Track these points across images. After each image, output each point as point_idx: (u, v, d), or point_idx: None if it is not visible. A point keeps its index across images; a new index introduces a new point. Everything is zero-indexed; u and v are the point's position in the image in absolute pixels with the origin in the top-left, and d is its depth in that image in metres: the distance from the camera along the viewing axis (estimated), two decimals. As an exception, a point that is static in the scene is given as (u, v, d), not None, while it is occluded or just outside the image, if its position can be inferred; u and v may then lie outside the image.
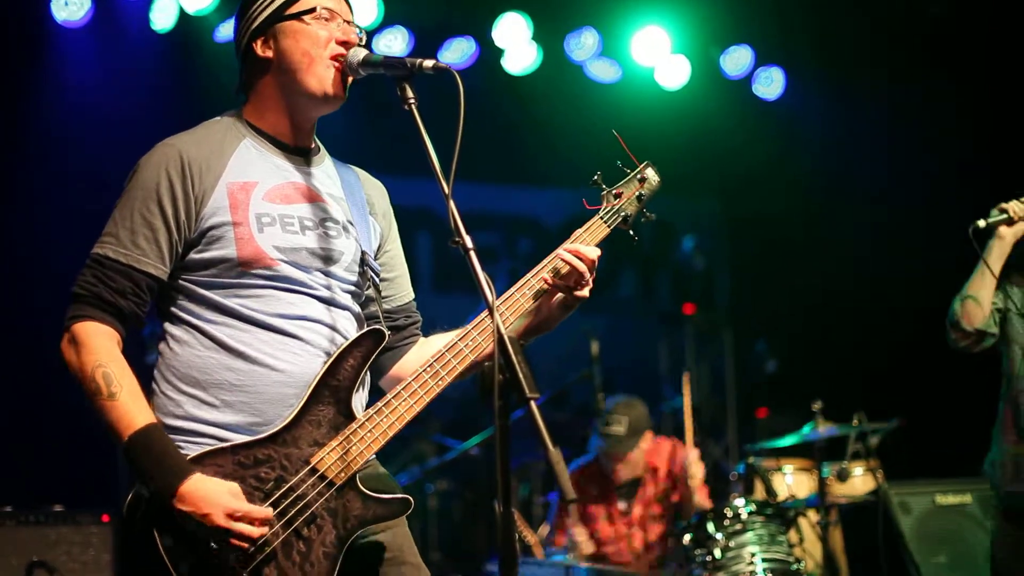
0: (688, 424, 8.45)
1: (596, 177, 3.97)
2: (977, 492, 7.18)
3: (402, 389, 3.65)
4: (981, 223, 5.25)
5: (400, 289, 4.04)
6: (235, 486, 3.47)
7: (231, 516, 3.41)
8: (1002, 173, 6.83)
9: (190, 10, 8.86)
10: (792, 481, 8.29)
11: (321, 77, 3.72)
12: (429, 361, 3.69)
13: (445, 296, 10.46)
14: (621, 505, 8.15)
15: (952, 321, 5.45)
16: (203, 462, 3.49)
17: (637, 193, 4.01)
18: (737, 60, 10.80)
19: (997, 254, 5.32)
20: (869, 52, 10.24)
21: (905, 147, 10.22)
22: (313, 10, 3.75)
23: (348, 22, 3.81)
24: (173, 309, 3.67)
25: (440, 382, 3.67)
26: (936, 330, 5.62)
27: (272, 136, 3.80)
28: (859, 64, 10.34)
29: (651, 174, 4.05)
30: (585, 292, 3.83)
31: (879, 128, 10.52)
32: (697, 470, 8.15)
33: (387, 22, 9.48)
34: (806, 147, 10.96)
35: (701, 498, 8.11)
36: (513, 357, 3.06)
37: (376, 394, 3.76)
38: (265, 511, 3.47)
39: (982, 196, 5.64)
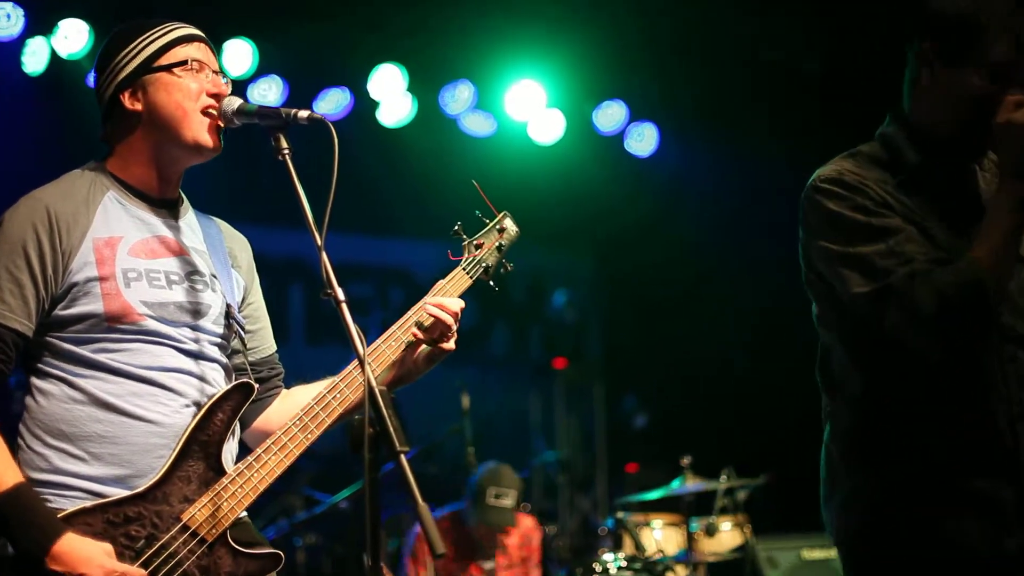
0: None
1: (457, 227, 4.01)
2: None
3: (272, 443, 3.62)
4: None
5: (263, 341, 4.01)
6: (108, 546, 3.40)
7: (108, 575, 3.35)
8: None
9: (63, 54, 8.75)
10: (661, 536, 8.33)
11: (196, 129, 3.68)
12: (298, 415, 3.66)
13: (317, 347, 10.41)
14: (486, 565, 8.11)
15: (986, 308, 3.49)
16: (72, 521, 3.41)
17: (497, 243, 4.05)
18: (611, 116, 10.91)
19: None
20: (744, 108, 10.38)
21: (781, 205, 10.33)
22: (184, 62, 3.71)
23: (217, 72, 3.78)
24: (38, 364, 3.60)
25: (309, 435, 3.65)
26: (803, 388, 5.62)
27: (137, 189, 3.74)
28: (734, 121, 10.48)
29: (510, 224, 4.09)
30: (451, 344, 3.85)
31: (755, 185, 10.66)
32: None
33: (261, 71, 9.43)
34: (680, 203, 11.08)
35: None
36: (384, 410, 3.04)
37: (240, 448, 3.73)
38: (140, 571, 3.40)
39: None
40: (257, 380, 3.84)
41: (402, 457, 3.00)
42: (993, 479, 3.55)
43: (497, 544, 8.12)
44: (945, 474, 3.57)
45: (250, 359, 3.91)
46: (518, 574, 8.19)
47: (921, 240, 3.57)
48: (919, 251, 3.53)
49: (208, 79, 3.73)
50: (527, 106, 10.58)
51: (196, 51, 3.75)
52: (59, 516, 3.40)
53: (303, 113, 3.53)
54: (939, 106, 3.64)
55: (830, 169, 3.72)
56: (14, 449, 3.51)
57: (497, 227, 4.08)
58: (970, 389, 3.58)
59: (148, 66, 3.70)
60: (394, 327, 3.83)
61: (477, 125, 10.70)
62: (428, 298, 3.86)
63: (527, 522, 8.34)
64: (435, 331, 3.82)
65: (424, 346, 3.84)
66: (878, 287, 3.51)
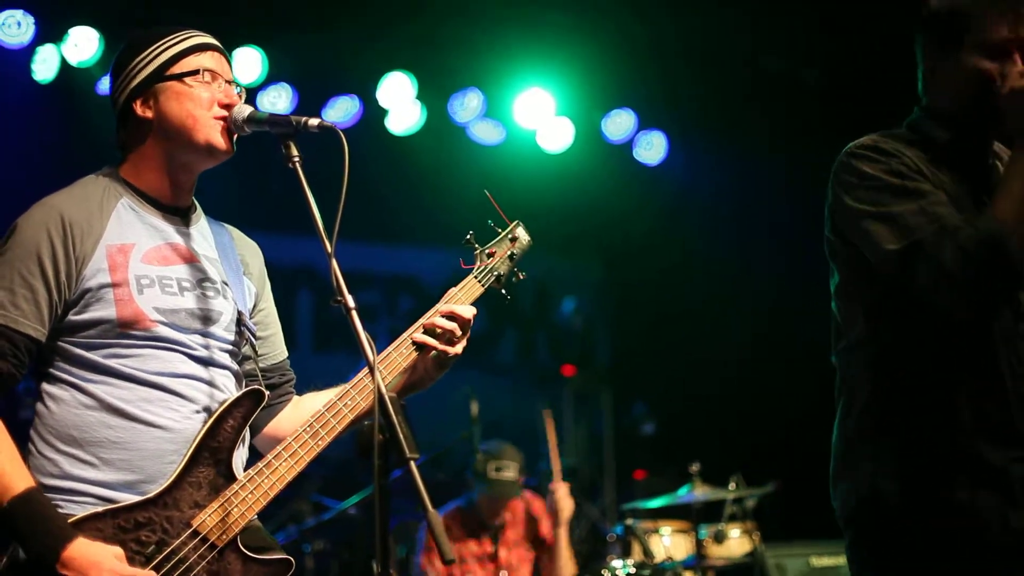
0: (554, 459, 8.50)
1: (469, 236, 4.03)
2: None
3: (282, 449, 3.63)
4: None
5: (274, 348, 4.03)
6: (119, 550, 3.41)
7: None
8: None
9: (72, 61, 8.77)
10: (669, 543, 8.31)
11: (208, 132, 3.70)
12: (309, 421, 3.68)
13: (325, 355, 10.42)
14: (491, 548, 8.13)
15: (1007, 263, 3.58)
16: (83, 526, 3.41)
17: (509, 252, 4.09)
18: (619, 124, 10.91)
19: None
20: (752, 117, 10.39)
21: (788, 212, 10.36)
22: (196, 72, 3.73)
23: (229, 82, 3.80)
24: (50, 369, 3.61)
25: (320, 442, 3.66)
26: (812, 395, 5.61)
27: (150, 196, 3.76)
28: (743, 129, 10.48)
29: (522, 233, 4.13)
30: (459, 350, 3.88)
31: (762, 193, 10.67)
32: (566, 505, 8.21)
33: (271, 79, 9.45)
34: (688, 211, 11.08)
35: (568, 562, 8.15)
36: (393, 417, 3.05)
37: (250, 453, 3.74)
38: (150, 574, 3.41)
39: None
40: (268, 386, 3.85)
41: (411, 464, 3.02)
42: (1004, 454, 3.68)
43: (501, 520, 8.14)
44: (960, 446, 3.68)
45: (261, 365, 3.93)
46: (521, 553, 8.19)
47: (950, 205, 3.69)
48: (948, 212, 3.65)
49: (220, 89, 3.75)
50: (536, 114, 10.58)
51: (209, 60, 3.77)
52: (69, 521, 3.41)
53: (313, 121, 3.55)
54: (952, 91, 3.84)
55: (866, 139, 3.87)
56: (25, 455, 3.52)
57: (509, 236, 4.11)
58: (986, 363, 3.70)
59: (160, 74, 3.72)
60: (405, 334, 3.85)
61: (486, 133, 10.70)
62: (440, 305, 3.89)
63: (527, 499, 8.36)
64: (444, 337, 3.84)
65: (433, 352, 3.86)
66: (908, 244, 3.62)
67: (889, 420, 3.80)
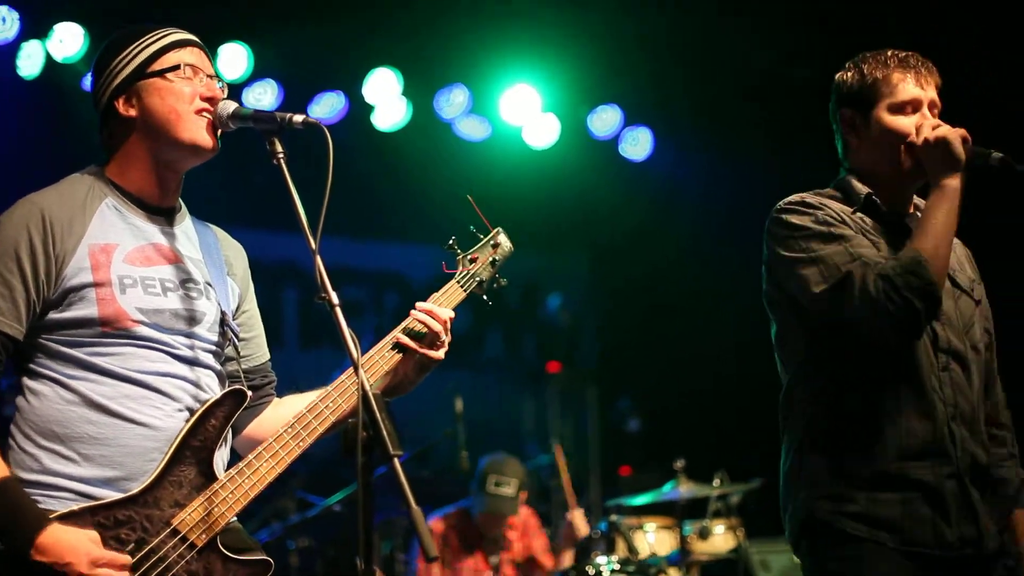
0: (568, 489, 8.58)
1: (451, 241, 4.05)
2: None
3: (263, 450, 3.63)
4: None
5: (257, 349, 4.03)
6: (94, 534, 3.40)
7: (95, 563, 3.35)
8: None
9: (57, 57, 8.75)
10: (654, 539, 8.34)
11: (192, 129, 3.69)
12: (290, 423, 3.68)
13: (311, 351, 10.41)
14: (492, 559, 8.15)
15: (927, 286, 3.88)
16: (61, 522, 3.40)
17: (491, 258, 4.11)
18: (605, 120, 10.91)
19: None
20: (738, 114, 10.38)
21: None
22: (177, 67, 3.72)
23: (211, 76, 3.79)
24: (32, 364, 3.60)
25: (301, 443, 3.67)
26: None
27: (135, 196, 3.75)
28: (728, 126, 10.48)
29: (504, 240, 4.16)
30: (440, 353, 3.89)
31: (748, 190, 10.65)
32: (582, 531, 8.28)
33: (256, 75, 9.43)
34: (674, 208, 11.09)
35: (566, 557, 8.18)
36: (377, 414, 3.05)
37: (230, 455, 3.74)
38: (125, 558, 3.41)
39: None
40: (250, 387, 3.84)
41: (396, 461, 3.02)
42: (938, 471, 3.98)
43: (501, 536, 8.17)
44: (894, 467, 3.96)
45: (243, 367, 3.92)
46: (524, 571, 8.22)
47: (873, 247, 4.06)
48: (871, 252, 4.01)
49: (202, 83, 3.74)
50: (522, 110, 10.57)
51: (189, 56, 3.76)
52: (50, 517, 3.40)
53: (298, 117, 3.55)
54: (872, 150, 4.22)
55: (793, 196, 4.23)
56: (5, 450, 3.52)
57: (492, 242, 4.13)
58: (915, 391, 4.01)
59: (142, 72, 3.71)
60: (386, 338, 3.85)
61: (472, 129, 10.69)
62: (420, 306, 3.89)
63: (529, 515, 8.39)
64: (425, 339, 3.85)
65: (416, 355, 3.86)
66: (836, 280, 3.94)
67: (824, 447, 4.08)
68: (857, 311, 3.89)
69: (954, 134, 4.03)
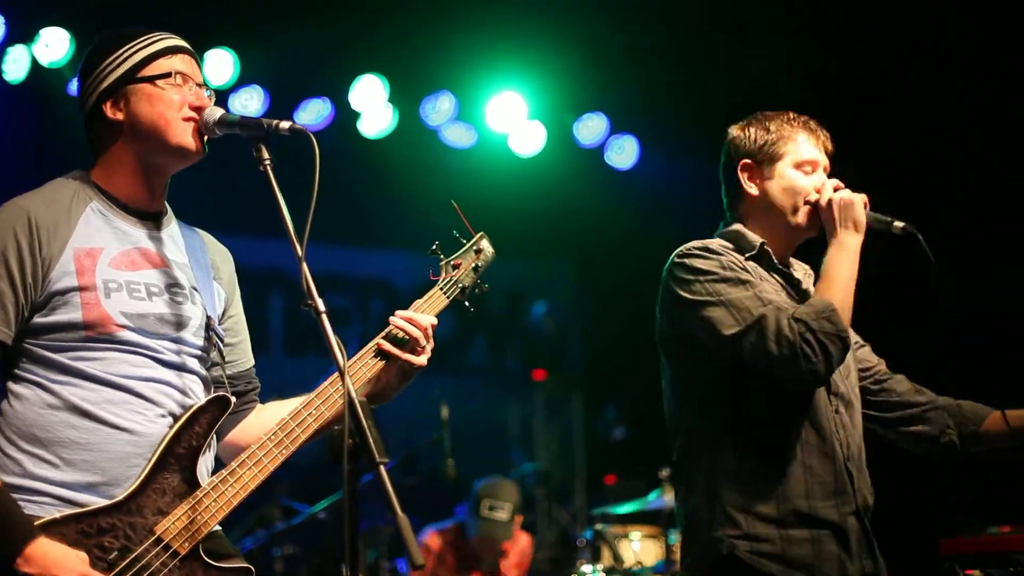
0: None
1: (435, 247, 4.06)
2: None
3: (246, 458, 3.62)
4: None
5: (242, 355, 4.02)
6: (83, 554, 3.39)
7: None
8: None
9: (43, 62, 8.74)
10: (639, 548, 8.33)
11: (179, 134, 3.68)
12: (273, 430, 3.67)
13: (297, 358, 10.39)
14: None
15: (841, 331, 4.04)
16: (46, 531, 3.39)
17: (474, 264, 4.11)
18: (591, 128, 10.92)
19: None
20: (724, 122, 10.37)
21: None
22: (168, 75, 3.71)
23: (200, 84, 3.78)
24: (15, 369, 3.58)
25: (284, 451, 3.66)
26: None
27: (120, 200, 3.74)
28: (714, 134, 10.44)
29: (486, 245, 4.16)
30: (423, 359, 3.88)
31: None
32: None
33: (243, 81, 9.42)
34: (660, 216, 11.08)
35: None
36: (363, 421, 3.05)
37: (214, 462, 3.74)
38: None
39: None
40: (234, 393, 3.84)
41: (381, 468, 3.01)
42: (840, 510, 4.12)
43: (496, 560, 8.17)
44: (808, 503, 4.07)
45: (228, 372, 3.91)
46: None
47: (778, 294, 4.22)
48: (779, 298, 4.18)
49: (191, 92, 3.73)
50: (508, 118, 10.57)
51: (180, 63, 3.76)
52: (35, 524, 3.39)
53: (284, 124, 3.54)
54: (766, 206, 4.38)
55: (691, 243, 4.32)
56: (-14, 454, 3.51)
57: (474, 248, 4.13)
58: (815, 433, 4.14)
59: (131, 77, 3.70)
60: (368, 345, 3.85)
61: (458, 136, 10.68)
62: (401, 313, 3.89)
63: (524, 540, 8.39)
64: (407, 346, 3.84)
65: (398, 362, 3.86)
66: (749, 323, 4.03)
67: (733, 486, 4.12)
68: (773, 353, 3.98)
69: (858, 199, 4.24)
